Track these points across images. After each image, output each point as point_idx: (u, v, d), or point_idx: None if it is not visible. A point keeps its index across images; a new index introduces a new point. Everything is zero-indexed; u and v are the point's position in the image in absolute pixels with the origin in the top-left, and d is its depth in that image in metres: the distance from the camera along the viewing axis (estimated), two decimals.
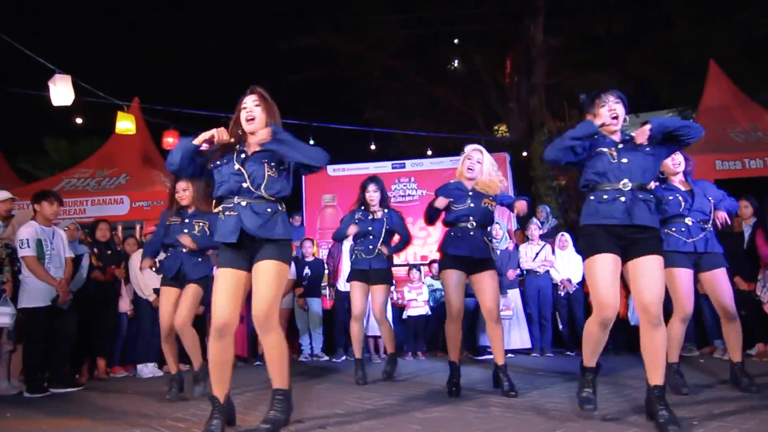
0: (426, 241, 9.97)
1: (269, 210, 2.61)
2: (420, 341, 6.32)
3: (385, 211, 4.50)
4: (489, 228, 3.78)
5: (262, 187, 2.61)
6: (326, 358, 6.41)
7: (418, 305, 6.31)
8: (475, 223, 3.59)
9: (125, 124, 7.45)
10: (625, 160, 2.61)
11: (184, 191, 3.98)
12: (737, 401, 3.07)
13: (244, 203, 2.60)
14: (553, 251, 6.35)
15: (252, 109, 2.65)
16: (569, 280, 6.14)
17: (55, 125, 11.43)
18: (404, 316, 6.35)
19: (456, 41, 14.23)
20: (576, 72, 13.51)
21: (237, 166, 2.62)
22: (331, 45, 14.27)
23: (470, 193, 3.64)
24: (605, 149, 2.66)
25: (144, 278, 5.50)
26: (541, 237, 6.54)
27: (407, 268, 6.94)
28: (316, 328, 6.53)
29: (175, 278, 3.92)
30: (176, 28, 15.33)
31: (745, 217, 5.12)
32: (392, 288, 5.12)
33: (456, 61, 15.01)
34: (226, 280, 2.60)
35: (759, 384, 3.31)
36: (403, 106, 15.09)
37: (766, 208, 4.71)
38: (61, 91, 6.34)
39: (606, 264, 2.54)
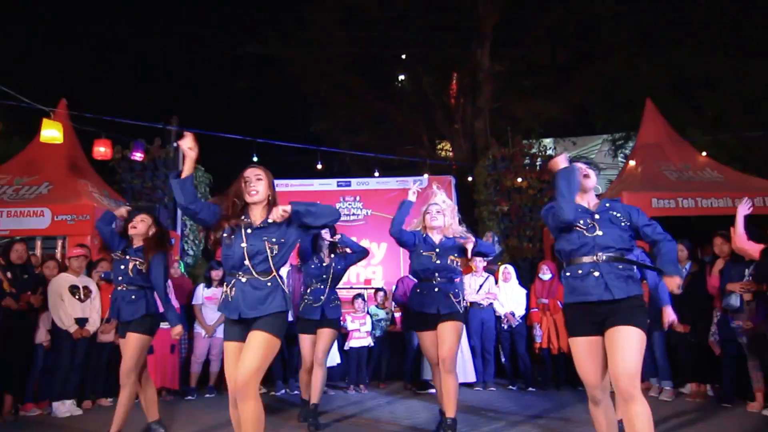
0: (369, 262, 9.81)
1: (269, 285, 2.67)
2: (362, 373, 6.13)
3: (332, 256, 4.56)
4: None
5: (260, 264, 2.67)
6: (264, 390, 6.09)
7: (360, 336, 6.13)
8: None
9: (51, 132, 6.46)
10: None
11: (141, 222, 3.77)
12: None
13: (244, 279, 2.66)
14: (497, 282, 6.35)
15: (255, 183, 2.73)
16: (512, 314, 6.16)
17: None
18: (346, 347, 6.15)
19: (404, 58, 14.33)
20: (519, 98, 13.92)
21: (243, 243, 2.64)
22: (279, 55, 13.98)
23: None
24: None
25: (65, 306, 5.02)
26: (485, 269, 6.54)
27: (351, 296, 6.73)
28: None
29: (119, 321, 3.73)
30: (114, 31, 14.57)
31: (680, 260, 5.31)
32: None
33: (403, 79, 15.11)
34: (236, 353, 2.66)
35: None
36: (349, 120, 14.98)
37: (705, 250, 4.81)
38: None
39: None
